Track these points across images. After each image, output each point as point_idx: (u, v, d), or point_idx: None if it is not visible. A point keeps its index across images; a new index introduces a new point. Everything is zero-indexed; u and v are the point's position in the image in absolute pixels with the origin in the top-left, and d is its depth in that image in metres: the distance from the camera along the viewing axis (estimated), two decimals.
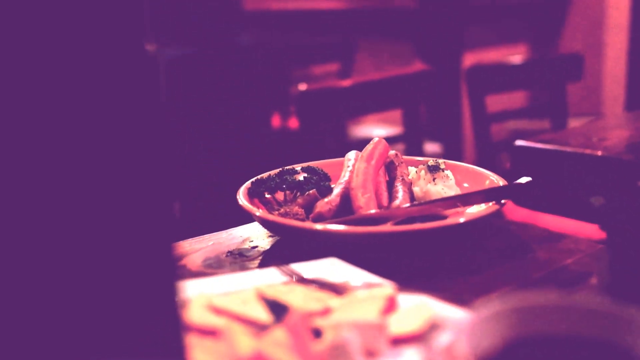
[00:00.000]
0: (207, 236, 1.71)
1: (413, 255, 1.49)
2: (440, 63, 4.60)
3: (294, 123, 4.93)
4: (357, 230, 1.44)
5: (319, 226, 1.46)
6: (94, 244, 0.62)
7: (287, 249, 1.60)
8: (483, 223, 1.57)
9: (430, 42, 4.93)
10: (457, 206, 1.57)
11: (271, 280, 1.32)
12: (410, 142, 3.48)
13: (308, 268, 1.36)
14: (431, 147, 4.58)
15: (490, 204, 1.56)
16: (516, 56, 4.09)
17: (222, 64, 5.28)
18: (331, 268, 1.36)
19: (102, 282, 0.63)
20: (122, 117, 0.65)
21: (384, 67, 5.53)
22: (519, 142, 2.34)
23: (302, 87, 3.42)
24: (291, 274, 1.32)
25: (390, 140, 3.77)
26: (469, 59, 4.70)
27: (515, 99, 4.90)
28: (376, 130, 5.07)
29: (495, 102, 3.70)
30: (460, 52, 4.87)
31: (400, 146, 3.38)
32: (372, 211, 1.56)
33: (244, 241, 1.66)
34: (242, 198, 1.65)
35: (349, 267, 1.35)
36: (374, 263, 1.38)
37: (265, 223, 1.58)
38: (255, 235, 1.68)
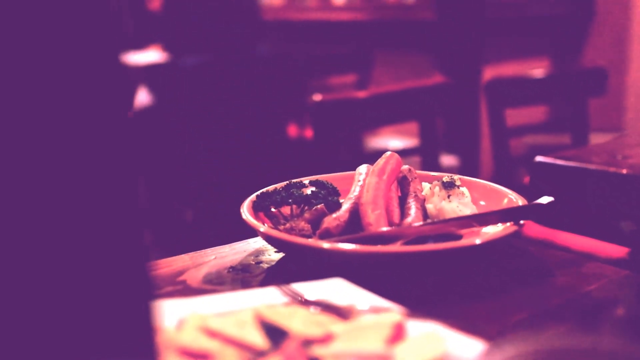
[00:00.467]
0: (209, 250, 1.62)
1: (424, 277, 1.39)
2: (459, 76, 4.50)
3: (309, 133, 4.84)
4: (364, 249, 1.34)
5: (324, 244, 1.37)
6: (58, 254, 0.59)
7: (292, 266, 1.51)
8: (500, 244, 1.46)
9: (450, 54, 4.83)
10: (473, 226, 1.47)
11: (271, 300, 1.23)
12: (426, 155, 3.38)
13: (311, 288, 1.27)
14: (448, 160, 4.48)
15: (508, 224, 1.46)
16: (537, 70, 3.98)
17: (239, 73, 5.21)
18: (336, 289, 1.26)
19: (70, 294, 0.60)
20: (90, 126, 0.61)
21: (402, 79, 5.43)
22: (539, 158, 2.24)
23: (318, 97, 3.34)
24: (293, 294, 1.22)
25: (406, 153, 3.68)
26: (489, 73, 4.59)
27: (534, 113, 4.79)
28: (392, 141, 4.98)
29: (514, 116, 3.60)
30: (480, 65, 4.77)
31: (416, 159, 3.28)
32: (383, 229, 1.46)
33: (247, 256, 1.57)
34: (246, 212, 1.55)
35: (355, 288, 1.26)
36: (383, 284, 1.29)
37: (269, 239, 1.49)
38: (260, 251, 1.59)
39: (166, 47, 5.98)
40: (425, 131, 3.39)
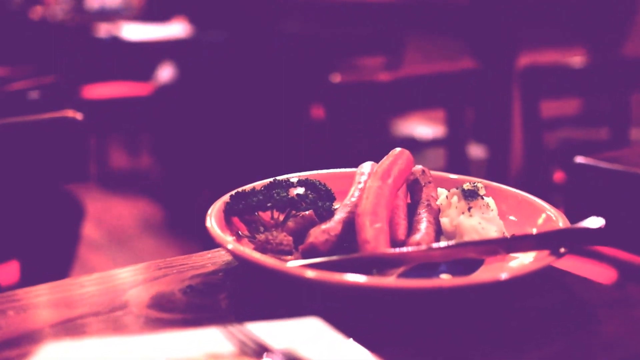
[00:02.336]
0: (169, 261, 1.27)
1: (429, 320, 1.02)
2: (491, 62, 4.08)
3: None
4: (351, 282, 0.97)
5: (302, 271, 1.00)
6: None
7: (266, 291, 1.14)
8: (531, 279, 1.09)
9: (482, 38, 4.40)
10: (498, 253, 1.09)
11: (215, 347, 0.87)
12: (452, 145, 3.00)
13: (273, 331, 0.91)
14: (475, 152, 4.07)
15: (545, 252, 1.08)
16: (576, 59, 3.56)
17: (263, 50, 4.85)
18: (307, 334, 0.90)
19: None
20: None
21: (432, 63, 5.03)
22: (580, 160, 1.85)
23: (336, 78, 2.96)
24: (246, 340, 0.86)
25: (430, 145, 3.30)
26: (522, 61, 4.17)
27: (568, 105, 4.36)
28: (420, 128, 4.58)
29: (546, 108, 3.19)
30: (514, 51, 4.33)
31: (441, 152, 2.89)
32: (383, 248, 1.10)
33: (214, 272, 1.21)
34: (213, 218, 1.19)
35: (333, 334, 0.90)
36: (375, 326, 0.93)
37: (235, 256, 1.12)
38: (232, 264, 1.24)
39: (191, 20, 5.63)
40: (453, 120, 3.00)
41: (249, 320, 0.99)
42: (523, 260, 1.12)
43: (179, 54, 5.32)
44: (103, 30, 6.49)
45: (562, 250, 1.07)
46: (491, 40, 4.37)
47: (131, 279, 1.21)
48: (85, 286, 1.18)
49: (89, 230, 5.01)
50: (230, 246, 1.10)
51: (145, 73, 5.82)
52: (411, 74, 3.00)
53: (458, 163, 3.25)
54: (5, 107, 2.83)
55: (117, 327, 1.04)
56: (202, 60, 5.05)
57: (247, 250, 1.09)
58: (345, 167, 1.48)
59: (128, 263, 1.35)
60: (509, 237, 1.15)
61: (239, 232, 1.26)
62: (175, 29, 6.15)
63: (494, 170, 4.21)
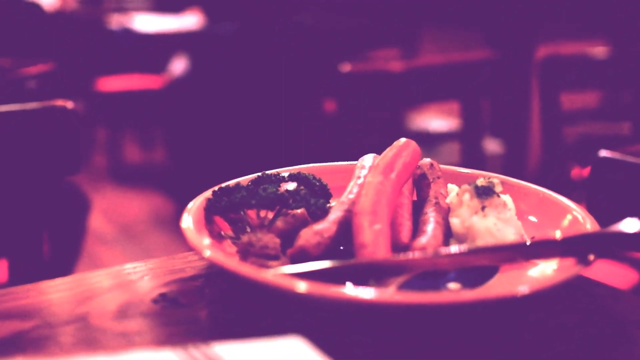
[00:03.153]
0: (139, 265, 1.11)
1: (435, 340, 0.86)
2: (509, 52, 3.89)
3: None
4: (341, 295, 0.81)
5: (280, 281, 0.84)
6: None
7: (248, 301, 0.98)
8: (556, 292, 0.91)
9: (500, 29, 4.20)
10: (517, 260, 0.93)
11: None
12: (466, 139, 2.83)
13: (245, 354, 0.75)
14: (491, 146, 3.89)
15: (571, 260, 0.91)
16: (598, 49, 3.36)
17: (276, 42, 4.69)
18: (286, 356, 0.74)
19: None
20: None
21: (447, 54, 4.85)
22: (604, 154, 1.67)
23: (346, 67, 2.79)
24: None
25: (442, 139, 3.12)
26: (541, 53, 3.97)
27: (587, 98, 4.16)
28: (434, 121, 4.41)
29: (565, 101, 3.00)
30: (533, 42, 4.13)
31: (455, 147, 2.71)
32: (382, 253, 0.94)
33: (191, 278, 1.05)
34: (190, 218, 1.03)
35: (314, 353, 0.74)
36: (372, 341, 0.81)
37: (210, 262, 0.96)
38: (211, 269, 1.08)
39: (205, 12, 5.49)
40: (468, 113, 2.83)
41: (223, 338, 0.83)
42: (545, 269, 0.95)
43: (192, 46, 5.18)
44: (115, 21, 6.36)
45: (591, 257, 0.90)
46: (509, 30, 4.18)
47: (100, 285, 1.05)
48: (45, 293, 1.03)
49: (99, 224, 4.88)
50: (207, 253, 0.94)
51: (158, 65, 5.68)
52: (424, 64, 2.82)
53: (473, 158, 3.08)
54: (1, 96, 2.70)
55: (69, 343, 0.88)
56: (215, 52, 4.90)
57: (221, 256, 0.93)
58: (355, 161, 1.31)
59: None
60: (528, 241, 0.98)
61: (222, 232, 1.10)
62: (189, 21, 6.00)
63: (511, 165, 4.03)
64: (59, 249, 2.45)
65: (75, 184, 3.04)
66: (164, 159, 5.91)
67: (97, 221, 4.74)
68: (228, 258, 0.94)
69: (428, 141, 3.80)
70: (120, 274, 1.08)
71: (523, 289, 0.81)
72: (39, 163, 1.92)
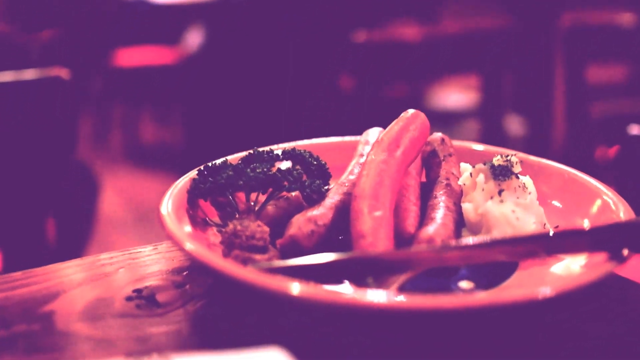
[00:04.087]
0: (124, 253, 0.99)
1: (438, 341, 0.73)
2: (532, 21, 3.70)
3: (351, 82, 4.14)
4: (333, 297, 0.69)
5: (263, 280, 0.72)
6: None
7: (233, 297, 0.86)
8: (584, 294, 0.78)
9: None
10: (538, 255, 0.79)
11: None
12: (486, 115, 2.68)
13: None
14: (513, 123, 3.72)
15: (602, 256, 0.78)
16: (627, 16, 3.17)
17: (291, 11, 4.53)
18: None
19: None
20: None
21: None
22: (635, 131, 1.52)
23: (361, 36, 2.65)
24: None
25: (462, 115, 2.96)
26: (566, 21, 3.78)
27: (614, 72, 3.97)
28: (453, 96, 4.24)
29: (593, 75, 2.83)
30: (557, 10, 3.92)
31: (474, 125, 2.56)
32: (383, 245, 0.81)
33: (171, 273, 0.92)
34: (169, 203, 0.91)
35: None
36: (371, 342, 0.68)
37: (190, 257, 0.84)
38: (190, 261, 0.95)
39: None
40: (489, 86, 2.68)
41: (194, 347, 0.71)
42: (571, 265, 0.81)
43: (207, 17, 5.03)
44: None
45: (625, 252, 0.76)
46: None
47: (70, 278, 0.93)
48: (9, 287, 0.91)
49: (113, 206, 4.77)
50: (187, 245, 0.81)
51: (173, 37, 5.54)
52: (443, 34, 2.67)
53: (493, 135, 2.93)
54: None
55: (27, 350, 0.76)
56: (230, 22, 4.76)
57: (201, 249, 0.80)
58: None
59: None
60: (552, 231, 0.85)
61: (207, 218, 0.97)
62: None
63: (533, 144, 3.86)
64: (66, 233, 2.35)
65: (86, 165, 2.94)
66: (181, 137, 5.79)
67: (110, 203, 4.63)
68: (209, 252, 0.81)
69: (446, 118, 3.64)
70: (94, 266, 0.96)
71: (545, 291, 0.68)
72: (34, 137, 1.81)
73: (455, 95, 4.30)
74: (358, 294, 0.70)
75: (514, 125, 3.66)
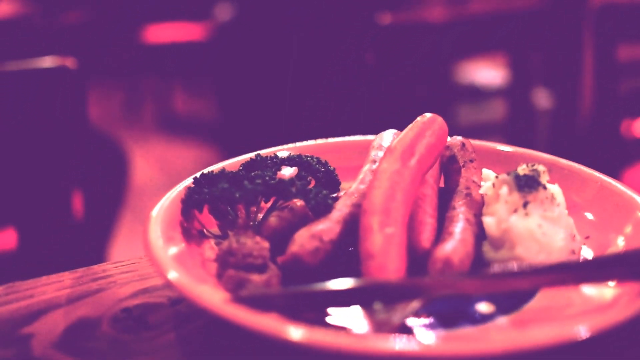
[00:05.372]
0: (115, 266, 0.90)
1: None
2: (561, 1, 3.53)
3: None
4: (332, 342, 0.59)
5: (257, 320, 0.62)
6: None
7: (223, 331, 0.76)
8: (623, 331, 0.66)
9: None
10: (568, 284, 0.68)
11: None
12: (515, 93, 2.55)
13: None
14: (542, 100, 3.57)
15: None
16: None
17: None
18: None
19: None
20: None
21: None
22: None
23: (386, 19, 2.52)
24: None
25: (489, 94, 2.83)
26: (596, 0, 3.60)
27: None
28: (482, 72, 4.08)
29: (621, 53, 2.67)
30: None
31: (502, 100, 2.44)
32: (394, 268, 0.70)
33: (164, 286, 0.83)
34: (156, 222, 0.81)
35: None
36: None
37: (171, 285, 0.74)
38: None
39: None
40: (517, 65, 2.54)
41: None
42: (604, 291, 0.70)
43: None
44: None
45: None
46: None
47: (55, 295, 0.84)
48: None
49: (146, 175, 4.71)
50: (171, 275, 0.71)
51: (203, 12, 5.44)
52: (470, 14, 2.53)
53: (521, 113, 2.80)
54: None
55: None
56: None
57: (186, 280, 0.70)
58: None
59: None
60: (583, 258, 0.73)
61: (205, 230, 0.87)
62: None
63: (561, 121, 3.71)
64: (95, 206, 2.28)
65: (114, 139, 2.87)
66: (212, 108, 5.71)
67: (145, 173, 4.58)
68: (193, 283, 0.70)
69: (474, 94, 3.50)
70: (79, 282, 0.86)
71: (583, 332, 0.57)
72: (42, 124, 1.74)
73: (484, 72, 4.15)
74: (358, 340, 0.60)
75: (542, 99, 3.51)
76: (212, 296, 0.68)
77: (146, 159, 4.72)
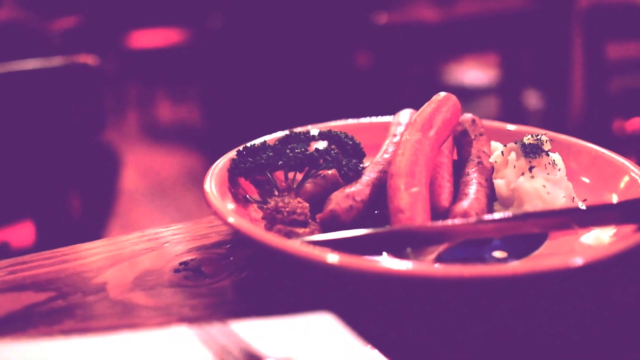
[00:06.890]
0: (164, 229, 1.04)
1: (478, 314, 0.78)
2: (550, 1, 3.72)
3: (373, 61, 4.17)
4: (374, 266, 0.73)
5: (312, 251, 0.77)
6: None
7: (276, 269, 0.91)
8: (615, 263, 0.82)
9: None
10: (570, 227, 0.84)
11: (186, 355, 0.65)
12: (505, 93, 2.71)
13: (271, 331, 0.68)
14: (532, 99, 3.75)
15: (630, 227, 0.82)
16: None
17: None
18: (312, 336, 0.67)
19: None
20: None
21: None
22: None
23: (382, 18, 2.69)
24: (228, 344, 0.64)
25: (481, 92, 3.00)
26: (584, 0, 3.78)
27: (631, 49, 3.98)
28: (472, 73, 4.26)
29: (610, 52, 2.84)
30: None
31: (493, 101, 2.61)
32: (420, 219, 0.85)
33: (215, 245, 0.98)
34: (212, 182, 0.96)
35: (346, 333, 0.66)
36: (408, 320, 0.75)
37: (235, 231, 0.89)
38: (237, 234, 1.00)
39: None
40: (507, 64, 2.71)
41: (245, 314, 0.76)
42: (600, 236, 0.86)
43: None
44: None
45: None
46: None
47: (114, 253, 0.98)
48: (61, 261, 0.96)
49: (133, 183, 4.83)
50: (231, 219, 0.86)
51: (188, 18, 5.58)
52: (462, 14, 2.70)
53: (512, 112, 2.97)
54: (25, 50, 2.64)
55: (84, 318, 0.82)
56: (248, 2, 4.79)
57: (246, 223, 0.85)
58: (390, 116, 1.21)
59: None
60: (581, 205, 0.89)
61: (248, 196, 1.02)
62: None
63: (552, 119, 3.89)
64: (90, 209, 2.41)
65: (107, 143, 2.99)
66: (197, 114, 5.84)
67: (130, 180, 4.69)
68: (253, 226, 0.86)
69: (465, 95, 3.68)
70: (140, 241, 1.01)
71: (579, 261, 0.73)
72: (61, 121, 1.87)
73: (474, 72, 4.33)
74: (398, 264, 0.75)
75: (532, 99, 3.69)
76: (270, 235, 0.83)
77: (130, 166, 4.84)
